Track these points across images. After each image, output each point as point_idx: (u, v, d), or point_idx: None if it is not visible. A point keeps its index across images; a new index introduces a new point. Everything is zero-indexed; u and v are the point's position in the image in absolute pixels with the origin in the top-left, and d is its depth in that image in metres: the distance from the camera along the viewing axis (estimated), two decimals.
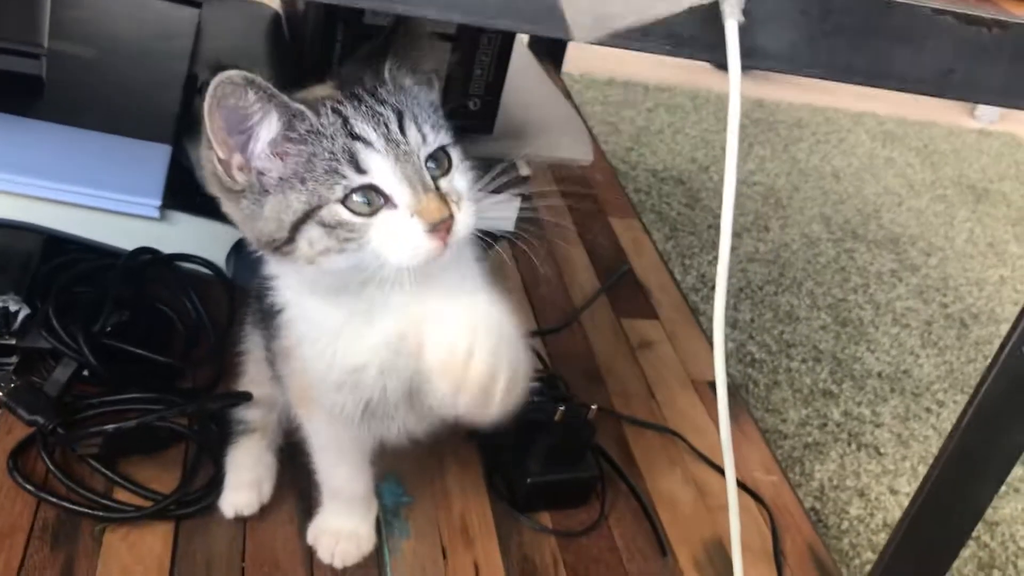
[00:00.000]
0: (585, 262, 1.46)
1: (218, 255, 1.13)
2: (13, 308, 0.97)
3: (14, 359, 0.99)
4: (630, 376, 1.24)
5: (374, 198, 0.67)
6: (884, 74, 0.61)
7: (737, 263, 1.99)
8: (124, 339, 1.01)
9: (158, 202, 1.07)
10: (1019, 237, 2.41)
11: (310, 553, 0.91)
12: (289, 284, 0.78)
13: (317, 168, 0.67)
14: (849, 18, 0.58)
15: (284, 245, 0.69)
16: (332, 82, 0.74)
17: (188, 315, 1.09)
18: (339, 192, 0.67)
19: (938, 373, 1.82)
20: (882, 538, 1.43)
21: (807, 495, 1.46)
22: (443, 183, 0.70)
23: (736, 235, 2.10)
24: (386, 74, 0.72)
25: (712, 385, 1.26)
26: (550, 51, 2.12)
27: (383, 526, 0.95)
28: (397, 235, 0.68)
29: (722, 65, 0.57)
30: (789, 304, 1.92)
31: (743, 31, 0.56)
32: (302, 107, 0.68)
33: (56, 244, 1.07)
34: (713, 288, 1.88)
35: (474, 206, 0.71)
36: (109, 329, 1.02)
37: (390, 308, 0.74)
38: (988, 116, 3.08)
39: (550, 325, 1.29)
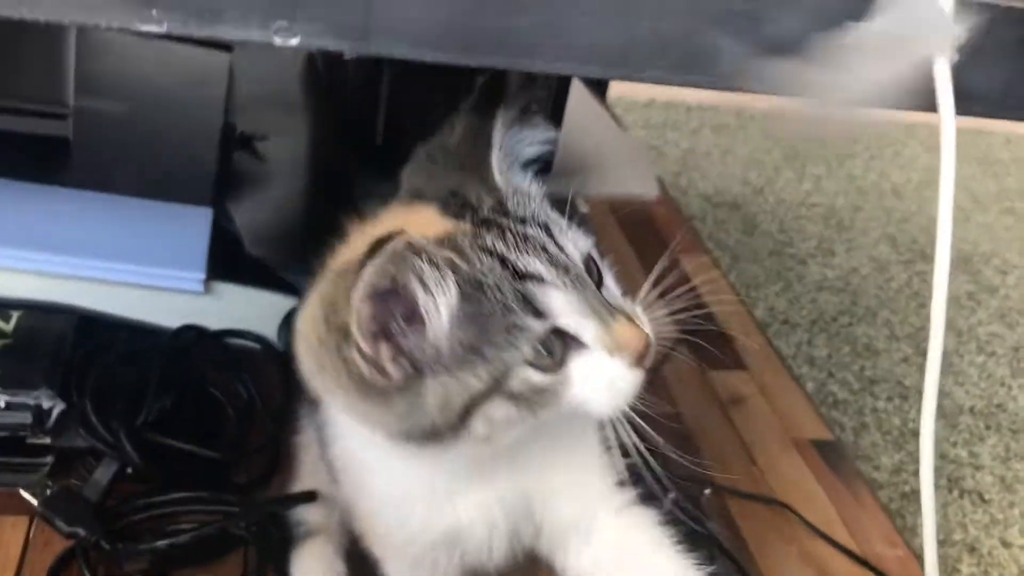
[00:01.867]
0: (660, 310, 1.34)
1: (269, 327, 1.02)
2: (47, 404, 0.87)
3: (49, 460, 0.89)
4: (726, 438, 1.12)
5: (555, 346, 0.54)
6: None
7: (806, 292, 1.87)
8: (170, 429, 0.91)
9: (202, 275, 0.97)
10: None
11: None
12: (364, 441, 0.62)
13: (491, 330, 0.53)
14: None
15: (448, 432, 0.54)
16: (431, 207, 0.58)
17: (239, 397, 0.98)
18: (528, 352, 0.53)
19: None
20: None
21: (914, 554, 1.34)
22: (607, 296, 0.57)
23: (801, 262, 1.98)
24: (498, 177, 0.59)
25: (816, 443, 1.14)
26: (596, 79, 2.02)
27: None
28: (601, 381, 0.55)
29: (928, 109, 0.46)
30: (867, 336, 1.79)
31: (954, 71, 0.45)
32: (452, 255, 0.53)
33: (90, 325, 0.96)
34: (785, 323, 1.77)
35: (645, 315, 0.59)
36: (152, 420, 0.91)
37: (513, 463, 0.61)
38: None
39: None
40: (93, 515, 0.84)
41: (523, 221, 0.56)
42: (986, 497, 1.47)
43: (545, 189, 0.60)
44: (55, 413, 0.87)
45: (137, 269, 0.95)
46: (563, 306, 0.54)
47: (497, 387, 0.53)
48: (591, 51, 0.42)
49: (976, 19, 0.45)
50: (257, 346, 1.02)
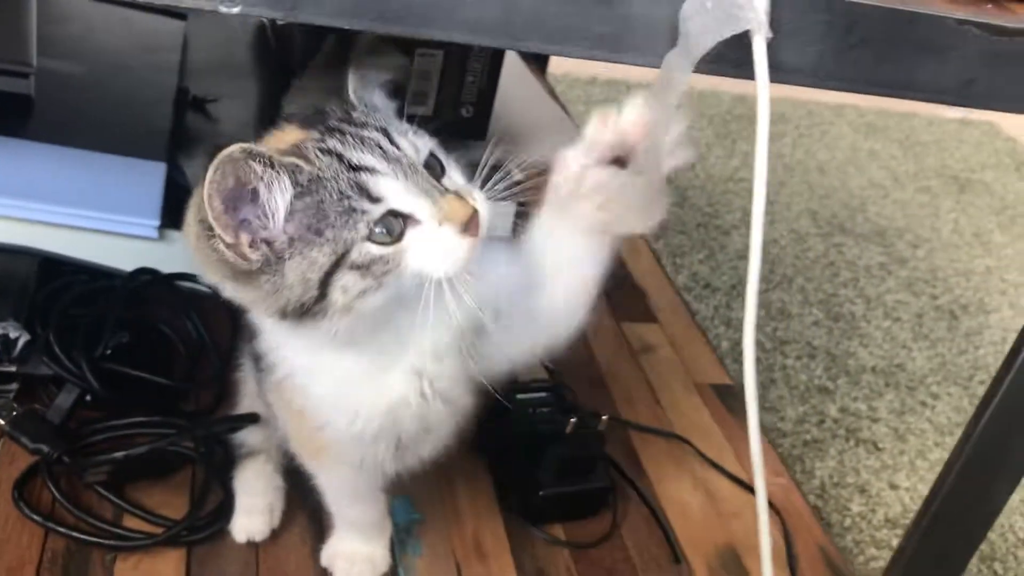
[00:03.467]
0: None
1: None
2: (13, 335, 0.96)
3: (15, 386, 0.98)
4: (634, 381, 1.24)
5: (393, 224, 0.65)
6: (908, 85, 0.60)
7: (727, 261, 1.99)
8: (125, 362, 1.00)
9: (157, 222, 1.06)
10: (1003, 226, 2.42)
11: (325, 575, 0.90)
12: (297, 347, 0.73)
13: (331, 214, 0.63)
14: (874, 30, 0.58)
15: (314, 304, 0.65)
16: (294, 124, 0.69)
17: (189, 336, 1.08)
18: (363, 230, 0.64)
19: (931, 366, 1.83)
20: (884, 534, 1.44)
21: (808, 493, 1.47)
22: (447, 183, 0.68)
23: (725, 233, 2.10)
24: (351, 96, 0.69)
25: (716, 388, 1.26)
26: (536, 54, 2.11)
27: (396, 545, 0.94)
28: (433, 249, 0.65)
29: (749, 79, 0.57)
30: (781, 301, 1.92)
31: (770, 46, 0.56)
32: (295, 159, 0.64)
33: (52, 267, 1.05)
34: (706, 287, 1.89)
35: (480, 192, 0.68)
36: (110, 352, 1.00)
37: (418, 326, 0.70)
38: None
39: None
40: (56, 435, 0.93)
41: (363, 126, 0.67)
42: (880, 446, 1.61)
43: (399, 104, 0.71)
44: (20, 343, 0.96)
45: (97, 215, 1.04)
46: (395, 191, 0.65)
47: (342, 261, 0.64)
48: (477, 23, 0.53)
49: (792, 4, 0.56)
50: (206, 289, 1.11)
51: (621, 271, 1.45)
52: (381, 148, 0.66)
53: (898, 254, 2.19)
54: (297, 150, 0.65)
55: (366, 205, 0.64)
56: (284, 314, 0.66)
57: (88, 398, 0.97)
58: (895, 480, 1.54)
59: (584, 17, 0.55)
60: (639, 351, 1.29)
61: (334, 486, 0.87)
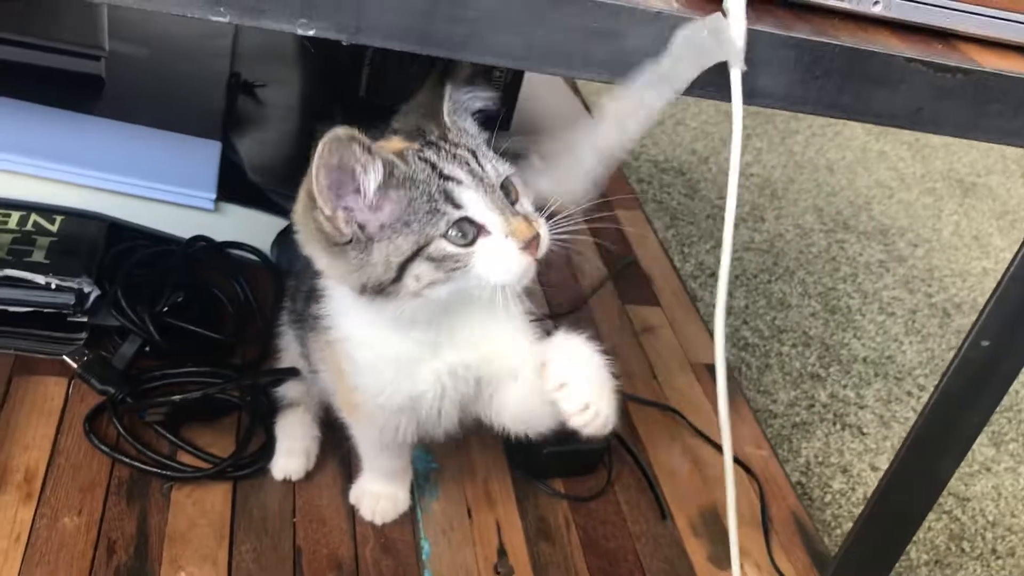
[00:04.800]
0: (593, 252, 1.57)
1: (264, 243, 1.24)
2: (86, 289, 1.08)
3: (85, 335, 1.10)
4: (634, 358, 1.36)
5: (468, 229, 0.76)
6: (864, 111, 0.72)
7: (733, 252, 2.10)
8: (182, 318, 1.13)
9: (213, 195, 1.18)
10: (1003, 230, 2.52)
11: (352, 511, 1.03)
12: (355, 318, 0.85)
13: (419, 210, 0.75)
14: (835, 64, 0.70)
15: (390, 285, 0.77)
16: (398, 136, 0.82)
17: (237, 298, 1.21)
18: (442, 227, 0.75)
19: (920, 359, 1.94)
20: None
21: (794, 470, 1.59)
22: (518, 207, 0.79)
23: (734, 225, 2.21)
24: (446, 119, 0.82)
25: (709, 368, 1.37)
26: None
27: (415, 489, 1.07)
28: (497, 257, 0.77)
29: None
30: (781, 292, 2.03)
31: (746, 76, 0.68)
32: (395, 158, 0.76)
33: (119, 232, 1.18)
34: (711, 276, 2.00)
35: (545, 222, 0.80)
36: (167, 309, 1.13)
37: (456, 339, 0.84)
38: None
39: (560, 309, 1.40)
40: (120, 378, 1.07)
41: (456, 145, 0.79)
42: (865, 431, 1.72)
43: (488, 136, 0.83)
44: (92, 296, 1.09)
45: (160, 187, 1.17)
46: (474, 202, 0.77)
47: (421, 251, 0.76)
48: (504, 49, 0.64)
49: (765, 40, 0.68)
50: (254, 257, 1.24)
51: (629, 257, 1.57)
52: (468, 165, 0.78)
53: (898, 252, 2.29)
54: (399, 153, 0.78)
55: (448, 209, 0.76)
56: (364, 289, 0.78)
57: (148, 348, 1.10)
58: (876, 463, 1.66)
59: (588, 46, 0.67)
60: (640, 331, 1.41)
61: (365, 438, 1.00)
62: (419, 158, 0.78)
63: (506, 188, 0.80)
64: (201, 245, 1.21)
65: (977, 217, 2.56)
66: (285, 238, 1.22)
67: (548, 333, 1.28)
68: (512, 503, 1.09)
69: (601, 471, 1.15)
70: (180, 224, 1.20)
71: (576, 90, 2.00)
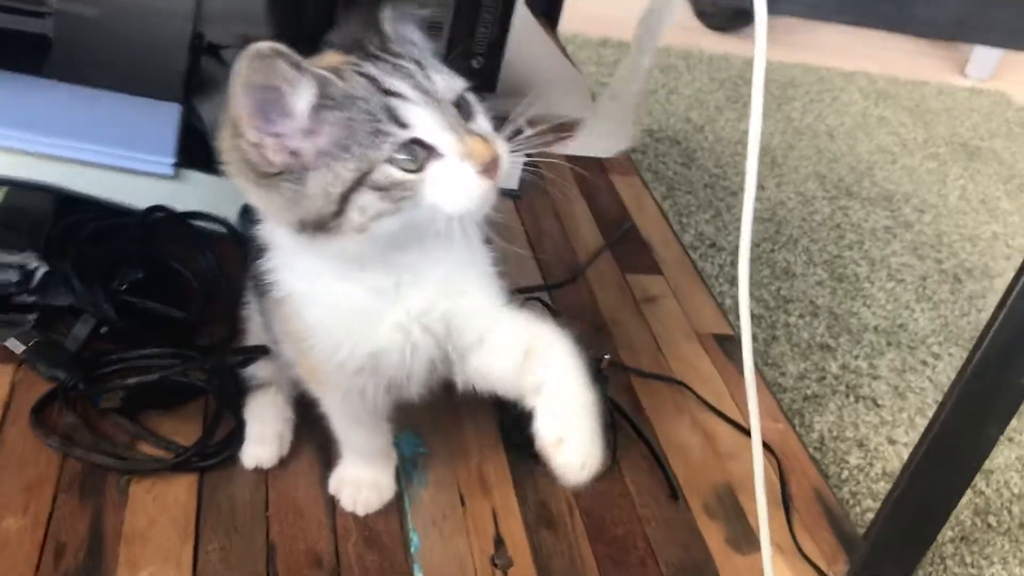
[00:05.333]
0: (588, 218, 1.47)
1: (231, 212, 1.14)
2: (32, 266, 0.98)
3: (33, 316, 1.00)
4: (636, 329, 1.26)
5: (418, 153, 0.67)
6: (906, 20, 0.62)
7: (733, 221, 2.00)
8: (141, 296, 1.03)
9: (172, 160, 1.08)
10: (1010, 194, 2.43)
11: (332, 501, 0.93)
12: (299, 269, 0.76)
13: (359, 132, 0.66)
14: None
15: (332, 220, 0.67)
16: (334, 50, 0.72)
17: (203, 273, 1.10)
18: (387, 151, 0.66)
19: (933, 327, 1.85)
20: (881, 487, 1.46)
21: (808, 445, 1.49)
22: (473, 126, 0.70)
23: (732, 194, 2.11)
24: (387, 28, 0.72)
25: (716, 337, 1.28)
26: (546, 10, 2.12)
27: (402, 475, 0.97)
28: (451, 183, 0.67)
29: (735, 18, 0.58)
30: (786, 261, 1.94)
31: None
32: (329, 74, 0.66)
33: (69, 203, 1.08)
34: (711, 246, 1.91)
35: (505, 142, 0.70)
36: (125, 287, 1.03)
37: (419, 284, 0.75)
38: (978, 74, 3.10)
39: (556, 280, 1.30)
40: (72, 362, 0.96)
41: (399, 56, 0.70)
42: (879, 403, 1.63)
43: (433, 47, 0.74)
44: (39, 274, 0.99)
45: (114, 152, 1.06)
46: (423, 120, 0.67)
47: (364, 179, 0.66)
48: None
49: None
50: (220, 228, 1.14)
51: (628, 224, 1.47)
52: (414, 78, 0.68)
53: (904, 218, 2.20)
54: (334, 69, 0.68)
55: (393, 129, 0.66)
56: (303, 226, 0.68)
57: (104, 330, 1.00)
58: (894, 435, 1.56)
59: None
60: (642, 301, 1.31)
61: (334, 410, 0.90)
62: (358, 72, 0.68)
63: (461, 106, 0.70)
64: (160, 216, 1.10)
65: (983, 181, 2.46)
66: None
67: (546, 306, 1.19)
68: (509, 487, 0.99)
69: (605, 451, 1.05)
70: (137, 193, 1.09)
71: (564, 52, 1.90)
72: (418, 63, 0.69)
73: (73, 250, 1.02)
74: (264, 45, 0.63)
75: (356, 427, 0.90)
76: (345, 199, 0.67)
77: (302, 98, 0.65)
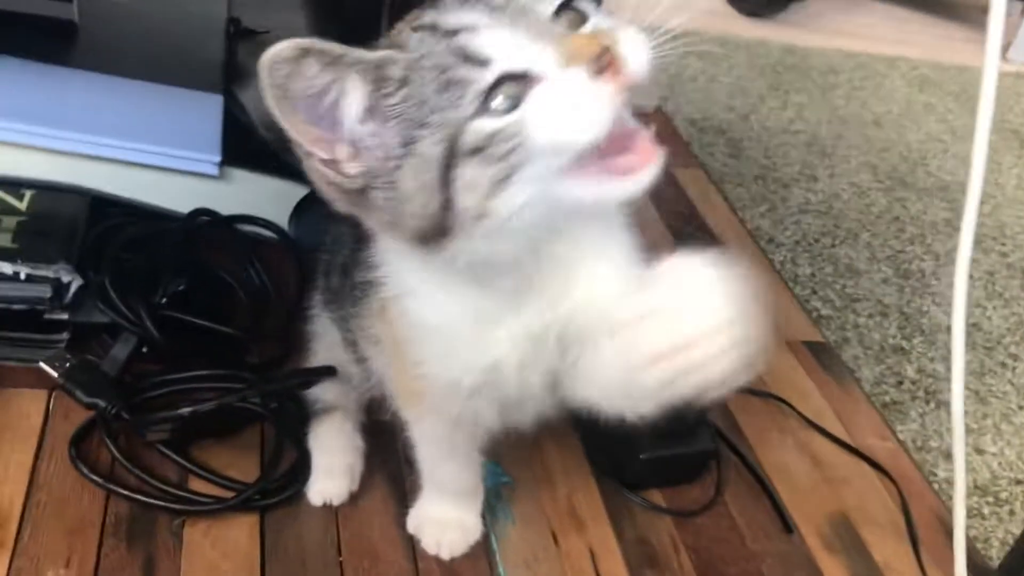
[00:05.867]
0: (653, 216, 1.36)
1: (281, 215, 1.02)
2: (65, 279, 0.87)
3: (66, 335, 0.89)
4: None
5: (511, 90, 0.52)
6: None
7: (789, 215, 1.89)
8: (184, 311, 0.92)
9: (217, 158, 0.97)
10: None
11: (411, 542, 0.82)
12: (414, 269, 0.63)
13: (430, 97, 0.53)
14: None
15: (445, 216, 0.54)
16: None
17: (251, 283, 0.99)
18: (471, 102, 0.52)
19: (1007, 325, 1.74)
20: (974, 502, 1.35)
21: (920, 466, 1.38)
22: (584, 29, 0.55)
23: (784, 186, 2.00)
24: None
25: (808, 345, 1.17)
26: None
27: (486, 510, 0.86)
28: (561, 102, 0.52)
29: None
30: (848, 257, 1.82)
31: None
32: (383, 53, 0.54)
33: (103, 207, 0.96)
34: (769, 241, 1.80)
35: (640, 33, 0.54)
36: (166, 300, 0.92)
37: (545, 289, 0.62)
38: (1022, 58, 2.99)
39: None
40: (113, 388, 0.85)
41: None
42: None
43: None
44: (73, 287, 0.88)
45: (152, 150, 0.95)
46: (503, 45, 0.52)
47: (455, 148, 0.52)
48: None
49: None
50: (269, 233, 1.03)
51: (696, 220, 1.36)
52: (479, 5, 0.55)
53: (963, 209, 2.08)
54: (392, 39, 0.56)
55: (470, 72, 0.52)
56: (422, 236, 0.56)
57: (145, 349, 0.89)
58: (980, 444, 1.45)
59: None
60: None
61: (428, 439, 0.78)
62: (415, 28, 0.55)
63: (566, 15, 0.55)
64: (204, 220, 0.99)
65: None
66: (306, 208, 1.00)
67: None
68: (605, 522, 0.88)
69: (705, 478, 0.94)
70: (178, 196, 0.98)
71: None
72: None
73: (109, 260, 0.90)
74: (285, 46, 0.51)
75: (447, 460, 0.79)
76: (446, 183, 0.53)
77: (352, 96, 0.54)
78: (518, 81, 0.52)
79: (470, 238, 0.55)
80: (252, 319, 0.97)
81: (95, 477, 0.80)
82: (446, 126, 0.53)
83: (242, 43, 1.18)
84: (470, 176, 0.53)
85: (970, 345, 1.67)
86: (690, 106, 2.26)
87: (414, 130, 0.54)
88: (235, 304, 0.98)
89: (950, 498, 1.35)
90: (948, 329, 1.70)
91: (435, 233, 0.55)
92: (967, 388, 1.56)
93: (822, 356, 1.16)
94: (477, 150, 0.53)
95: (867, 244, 1.88)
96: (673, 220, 1.35)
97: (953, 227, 2.01)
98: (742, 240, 1.35)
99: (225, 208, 1.00)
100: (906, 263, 1.85)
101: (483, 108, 0.52)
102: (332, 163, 0.55)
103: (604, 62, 0.51)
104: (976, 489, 1.38)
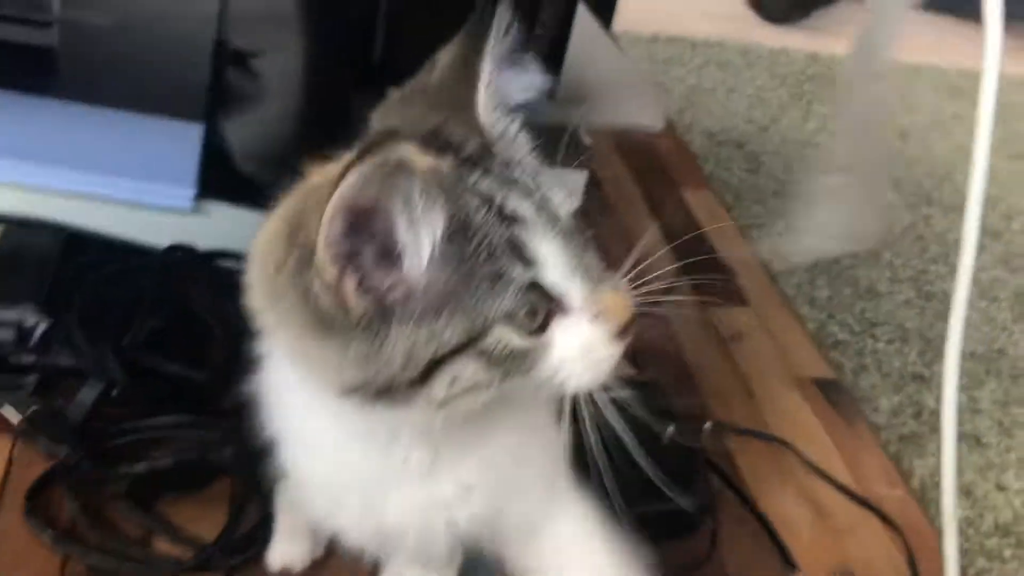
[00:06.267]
0: (659, 240, 1.32)
1: None
2: (29, 322, 0.84)
3: (32, 378, 0.86)
4: (724, 373, 1.10)
5: (538, 304, 0.49)
6: None
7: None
8: (157, 352, 0.88)
9: (192, 192, 0.93)
10: None
11: None
12: (305, 405, 0.58)
13: (475, 276, 0.48)
14: None
15: (405, 389, 0.50)
16: (409, 144, 0.49)
17: (229, 320, 0.95)
18: (508, 303, 0.48)
19: None
20: (994, 543, 1.29)
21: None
22: (607, 284, 0.53)
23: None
24: (485, 116, 0.54)
25: (817, 382, 1.12)
26: (598, 6, 1.97)
27: (466, 564, 0.81)
28: (581, 350, 0.51)
29: None
30: (868, 278, 1.76)
31: None
32: (462, 197, 0.49)
33: (77, 243, 0.93)
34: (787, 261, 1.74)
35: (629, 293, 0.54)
36: (140, 340, 0.88)
37: (456, 462, 0.58)
38: None
39: None
40: (76, 435, 0.82)
41: (510, 163, 0.52)
42: (983, 441, 1.46)
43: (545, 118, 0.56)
44: (39, 330, 0.85)
45: (125, 184, 0.92)
46: (550, 257, 0.49)
47: (472, 344, 0.49)
48: None
49: None
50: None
51: (704, 247, 1.31)
52: (533, 197, 0.51)
53: (991, 227, 2.02)
54: (439, 178, 0.49)
55: (515, 269, 0.48)
56: (358, 390, 0.50)
57: (114, 393, 0.86)
58: (1003, 481, 1.39)
59: None
60: (729, 338, 1.16)
61: None
62: (466, 187, 0.49)
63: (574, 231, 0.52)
64: (179, 256, 0.95)
65: None
66: None
67: None
68: None
69: (701, 531, 0.89)
70: (154, 230, 0.95)
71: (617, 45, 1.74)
72: (533, 176, 0.52)
73: (79, 300, 0.87)
74: (396, 151, 0.45)
75: None
76: (434, 367, 0.49)
77: (427, 237, 0.48)
78: (545, 297, 0.50)
79: (411, 411, 0.51)
80: (228, 360, 0.93)
81: (46, 538, 0.76)
82: (476, 316, 0.49)
83: (230, 67, 1.15)
84: (463, 373, 0.50)
85: (994, 372, 1.61)
86: (708, 119, 2.20)
87: (441, 299, 0.49)
88: (211, 342, 0.95)
89: (968, 538, 1.30)
90: (972, 355, 1.64)
91: (376, 395, 0.50)
92: (990, 418, 1.50)
93: (831, 393, 1.11)
94: (488, 355, 0.49)
95: (889, 264, 1.82)
96: (680, 247, 1.31)
97: (980, 245, 1.94)
98: (751, 268, 1.30)
99: (203, 242, 0.96)
100: (928, 284, 1.79)
101: (511, 315, 0.49)
102: (335, 288, 0.48)
103: (627, 330, 0.51)
104: (997, 529, 1.31)
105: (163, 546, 0.78)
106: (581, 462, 0.89)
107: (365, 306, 0.48)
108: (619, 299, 0.51)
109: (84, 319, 0.86)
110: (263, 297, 0.52)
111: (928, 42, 2.88)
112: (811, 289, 1.69)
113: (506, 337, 0.49)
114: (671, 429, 0.83)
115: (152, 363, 0.87)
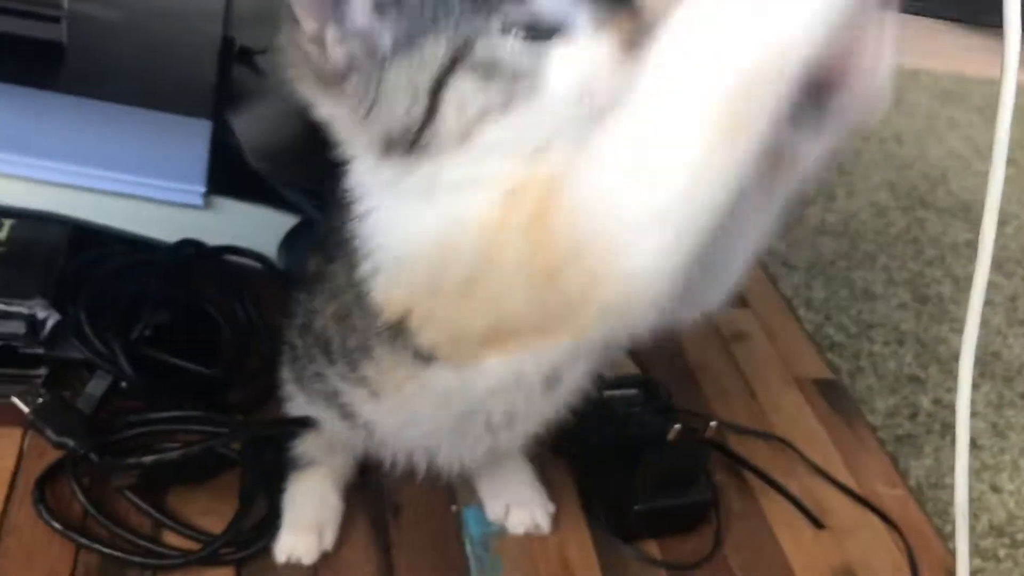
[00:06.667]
0: None
1: (269, 246, 0.99)
2: (41, 315, 0.84)
3: (42, 371, 0.87)
4: (726, 373, 1.11)
5: (540, 25, 0.50)
6: None
7: (806, 236, 1.85)
8: (165, 347, 0.89)
9: (202, 188, 0.94)
10: None
11: None
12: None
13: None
14: None
15: (424, 127, 0.52)
16: None
17: (237, 316, 0.96)
18: (498, 17, 0.50)
19: None
20: (989, 543, 1.30)
21: (931, 515, 1.34)
22: None
23: (800, 204, 1.96)
24: None
25: (818, 383, 1.13)
26: None
27: (472, 562, 0.82)
28: (582, 65, 0.51)
29: None
30: (864, 280, 1.77)
31: None
32: None
33: (86, 237, 0.94)
34: (783, 264, 1.75)
35: None
36: (148, 335, 0.89)
37: None
38: None
39: None
40: (84, 427, 0.82)
41: None
42: (978, 443, 1.47)
43: None
44: (49, 323, 0.85)
45: (135, 179, 0.92)
46: None
47: (462, 57, 0.50)
48: None
49: None
50: (257, 264, 1.00)
51: None
52: None
53: (983, 230, 2.03)
54: None
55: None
56: (389, 144, 0.53)
57: (123, 385, 0.86)
58: (997, 482, 1.40)
59: None
60: (731, 339, 1.16)
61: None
62: None
63: None
64: (189, 252, 0.96)
65: None
66: (296, 239, 0.97)
67: None
68: (598, 574, 0.84)
69: (704, 528, 0.90)
70: (163, 225, 0.95)
71: None
72: None
73: (87, 294, 0.88)
74: None
75: None
76: (437, 92, 0.51)
77: None
78: (548, 20, 0.51)
79: (442, 153, 0.53)
80: (237, 355, 0.94)
81: (58, 526, 0.76)
82: (461, 32, 0.51)
83: (237, 64, 1.16)
84: (465, 92, 0.51)
85: (988, 375, 1.62)
86: None
87: (423, 26, 0.51)
88: (220, 338, 0.95)
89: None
90: None
91: (407, 145, 0.53)
92: (984, 421, 1.51)
93: (831, 394, 1.12)
94: (482, 66, 0.51)
95: (884, 267, 1.83)
96: None
97: (973, 249, 1.95)
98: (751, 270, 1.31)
99: (212, 238, 0.97)
100: (924, 287, 1.81)
101: (506, 26, 0.50)
102: (317, 40, 0.52)
103: (633, 38, 0.50)
104: (992, 529, 1.32)
105: (171, 538, 0.78)
106: (590, 458, 0.90)
107: (347, 50, 0.52)
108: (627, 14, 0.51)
109: (94, 313, 0.87)
110: (291, 72, 0.55)
111: (924, 46, 2.91)
112: (808, 291, 1.70)
113: (498, 47, 0.50)
114: (677, 427, 0.84)
115: (160, 357, 0.87)
